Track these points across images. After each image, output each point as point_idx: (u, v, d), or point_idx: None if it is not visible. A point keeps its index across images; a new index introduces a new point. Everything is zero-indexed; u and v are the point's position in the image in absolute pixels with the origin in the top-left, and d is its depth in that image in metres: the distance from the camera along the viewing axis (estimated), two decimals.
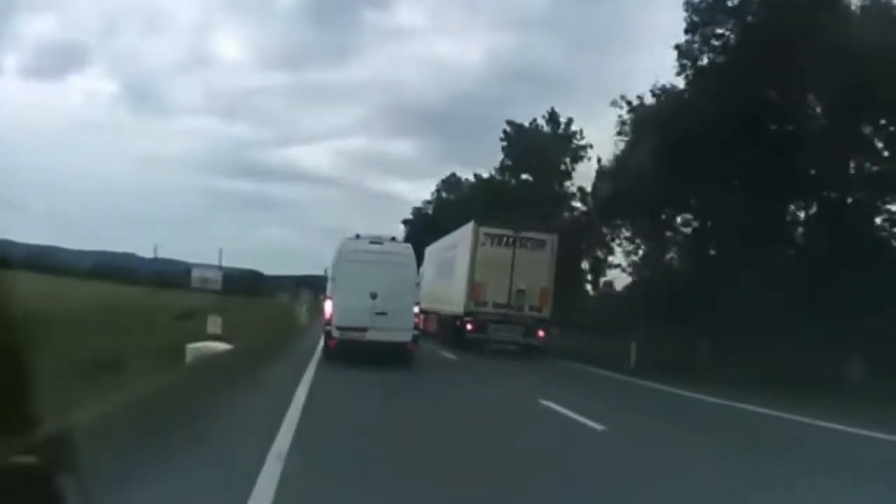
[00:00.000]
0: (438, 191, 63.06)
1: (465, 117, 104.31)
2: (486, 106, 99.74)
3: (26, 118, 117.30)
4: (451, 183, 61.85)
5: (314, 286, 51.12)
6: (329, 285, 14.59)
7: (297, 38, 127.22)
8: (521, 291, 21.25)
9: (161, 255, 70.56)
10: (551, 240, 21.52)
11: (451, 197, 60.24)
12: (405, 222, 65.79)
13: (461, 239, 22.40)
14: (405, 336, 13.99)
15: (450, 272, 22.90)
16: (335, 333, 14.09)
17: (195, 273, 61.82)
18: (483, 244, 21.30)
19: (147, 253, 72.27)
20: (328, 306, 14.45)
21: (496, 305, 21.03)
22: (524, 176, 41.56)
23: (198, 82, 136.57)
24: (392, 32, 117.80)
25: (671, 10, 29.18)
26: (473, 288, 21.09)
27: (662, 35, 46.51)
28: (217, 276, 60.46)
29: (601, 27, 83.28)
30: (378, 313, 14.11)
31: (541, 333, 20.53)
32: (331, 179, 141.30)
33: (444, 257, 24.65)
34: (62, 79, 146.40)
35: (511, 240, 21.32)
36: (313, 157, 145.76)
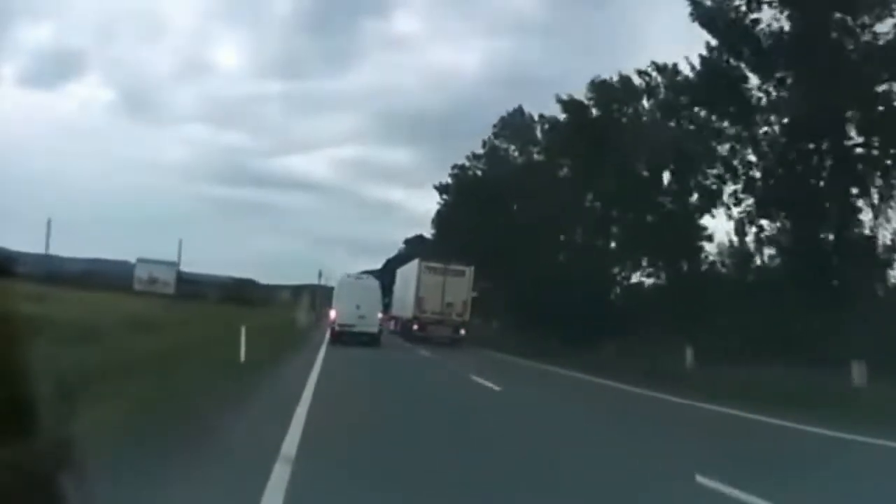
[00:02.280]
0: (495, 135, 49.16)
1: (464, 124, 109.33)
2: (484, 113, 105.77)
3: (23, 126, 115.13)
4: (514, 125, 48.12)
5: (311, 295, 54.96)
6: (333, 300, 29.88)
7: (295, 46, 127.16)
8: (449, 304, 32.62)
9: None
10: (469, 270, 33.58)
11: (515, 147, 47.68)
12: (440, 189, 55.16)
13: (411, 269, 35.60)
14: (375, 329, 28.04)
15: (407, 291, 35.74)
16: (337, 328, 28.22)
17: (139, 271, 39.92)
18: (425, 273, 33.13)
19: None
20: (332, 313, 29.03)
21: (433, 313, 32.77)
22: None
23: (195, 90, 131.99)
24: (389, 40, 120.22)
25: (670, 12, 24.59)
26: (418, 301, 33.01)
27: (662, 38, 40.88)
28: (168, 277, 42.35)
29: (599, 32, 79.84)
30: (360, 317, 27.86)
31: (462, 332, 32.96)
32: (328, 188, 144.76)
33: (404, 280, 38.16)
34: (59, 86, 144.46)
35: (442, 270, 32.99)
36: (311, 165, 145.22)
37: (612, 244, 36.81)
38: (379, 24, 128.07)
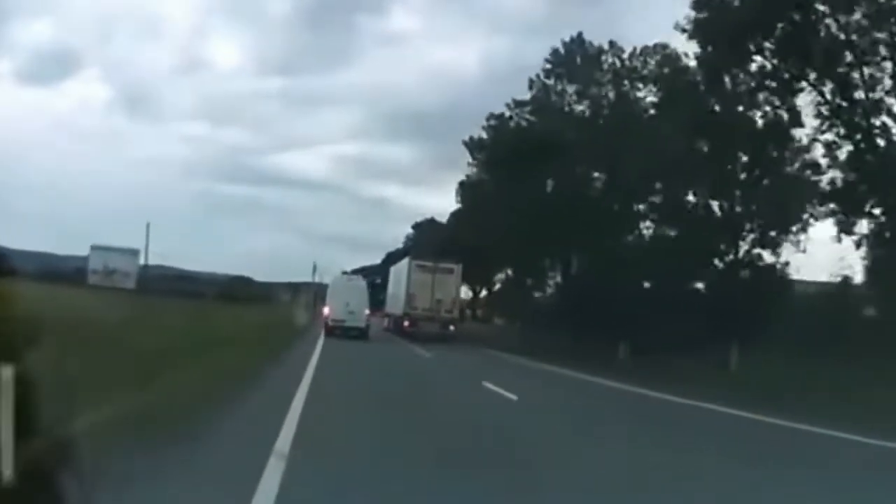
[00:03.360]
0: (546, 73, 36.25)
1: (462, 123, 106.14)
2: (482, 111, 70.09)
3: (21, 123, 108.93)
4: (572, 58, 35.49)
5: (309, 293, 56.98)
6: (327, 298, 33.59)
7: (293, 43, 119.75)
8: (439, 300, 33.46)
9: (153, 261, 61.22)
10: (457, 268, 34.57)
11: (574, 89, 35.40)
12: (471, 146, 42.05)
13: (402, 267, 36.86)
14: (362, 324, 31.02)
15: (398, 288, 36.90)
16: (330, 323, 31.46)
17: (93, 261, 28.76)
18: (415, 271, 34.11)
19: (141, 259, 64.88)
20: (326, 310, 32.77)
21: (424, 310, 33.54)
22: None
23: (193, 87, 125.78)
24: (388, 37, 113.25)
25: (668, 10, 27.44)
26: (409, 298, 33.94)
27: (661, 36, 33.31)
28: (128, 267, 31.31)
29: (598, 31, 70.80)
30: (349, 313, 31.10)
31: (451, 328, 33.68)
32: (326, 185, 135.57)
33: (396, 278, 38.93)
34: (57, 84, 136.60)
35: (432, 268, 33.84)
36: (309, 162, 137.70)
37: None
38: (377, 21, 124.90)
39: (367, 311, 31.81)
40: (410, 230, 69.66)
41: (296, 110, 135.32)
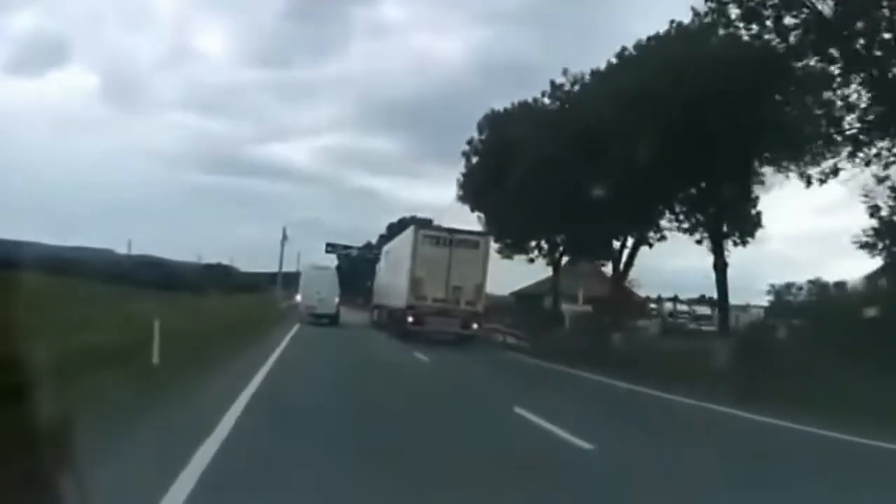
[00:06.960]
0: None
1: (451, 113, 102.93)
2: (467, 102, 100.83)
3: (5, 112, 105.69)
4: None
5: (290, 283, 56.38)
6: (300, 286, 38.13)
7: (279, 34, 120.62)
8: (457, 287, 25.82)
9: (137, 250, 61.35)
10: (484, 240, 27.31)
11: None
12: None
13: (404, 242, 28.96)
14: (333, 311, 35.95)
15: (398, 271, 29.54)
16: (302, 309, 36.25)
17: None
18: (423, 244, 26.53)
19: (125, 248, 65.08)
20: (299, 297, 37.62)
21: (435, 300, 26.04)
22: None
23: (178, 78, 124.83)
24: (373, 28, 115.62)
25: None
26: (414, 284, 26.25)
27: (644, 27, 30.52)
28: None
29: (582, 19, 62.07)
30: (320, 300, 35.77)
31: (475, 325, 26.42)
32: (310, 176, 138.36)
33: (395, 257, 31.96)
34: (42, 73, 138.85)
35: (448, 240, 26.51)
36: (293, 153, 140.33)
37: None
38: (364, 12, 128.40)
39: (336, 299, 36.19)
40: (476, 133, 38.24)
41: (282, 101, 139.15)
